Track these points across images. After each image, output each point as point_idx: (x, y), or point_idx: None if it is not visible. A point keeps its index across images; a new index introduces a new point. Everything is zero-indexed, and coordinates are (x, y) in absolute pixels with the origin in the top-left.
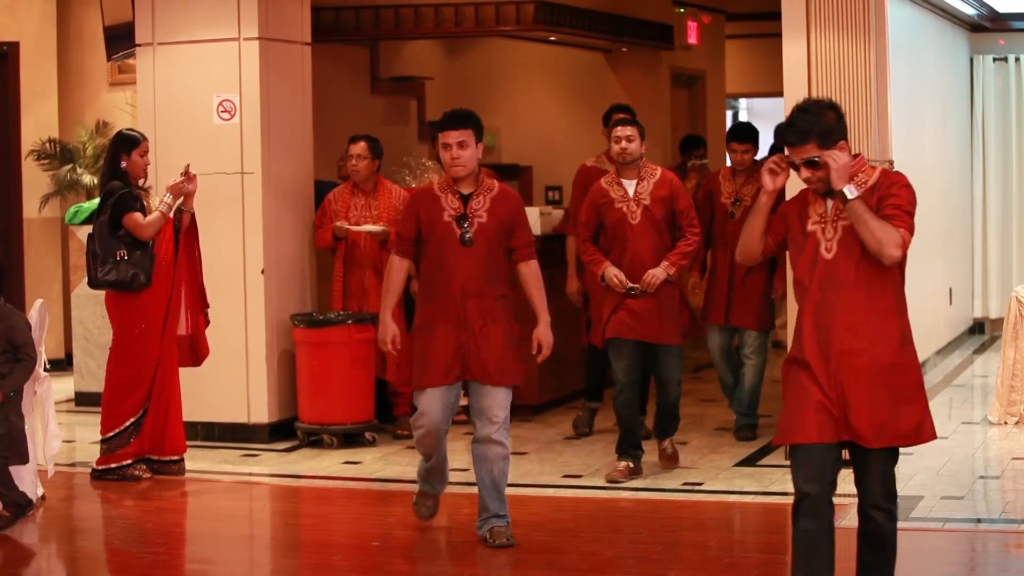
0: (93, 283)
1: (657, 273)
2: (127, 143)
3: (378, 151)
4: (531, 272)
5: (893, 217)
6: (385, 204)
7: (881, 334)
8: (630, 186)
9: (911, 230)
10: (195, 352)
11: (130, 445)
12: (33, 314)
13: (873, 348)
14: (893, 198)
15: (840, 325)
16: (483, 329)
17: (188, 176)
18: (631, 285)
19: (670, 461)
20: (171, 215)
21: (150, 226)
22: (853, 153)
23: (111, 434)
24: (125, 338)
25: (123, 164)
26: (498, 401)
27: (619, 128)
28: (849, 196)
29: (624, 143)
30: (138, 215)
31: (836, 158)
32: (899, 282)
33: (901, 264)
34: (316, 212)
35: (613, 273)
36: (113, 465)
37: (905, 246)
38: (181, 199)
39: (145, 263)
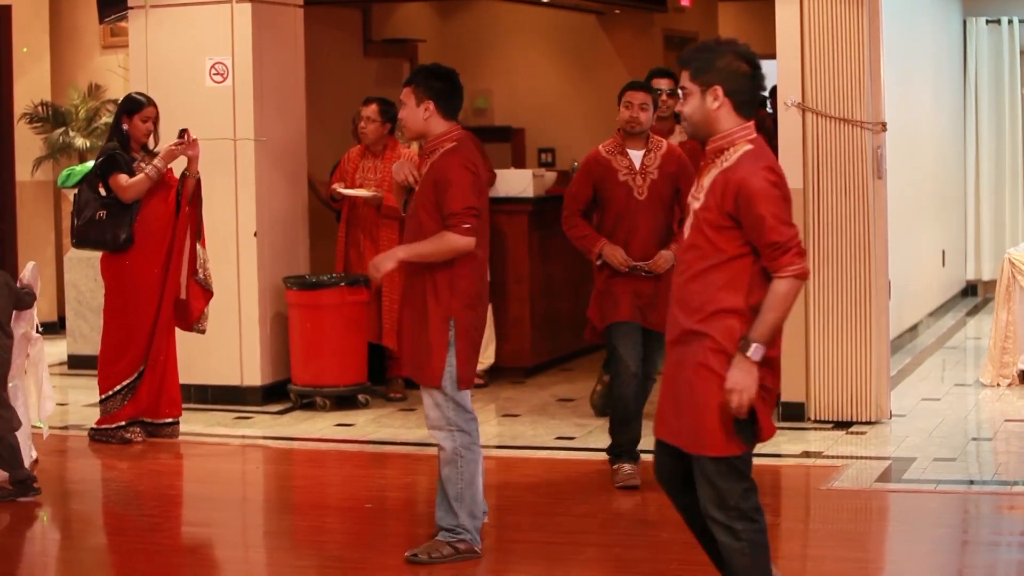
0: (72, 240)
1: (667, 256)
2: (130, 105)
3: (390, 115)
4: None
5: None
6: (390, 167)
7: None
8: (636, 157)
9: None
10: (184, 315)
11: (124, 408)
12: (26, 275)
13: None
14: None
15: None
16: None
17: (187, 140)
18: (636, 264)
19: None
20: (174, 178)
21: (130, 188)
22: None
23: (105, 395)
24: (114, 299)
25: (124, 127)
26: None
27: (631, 93)
28: None
29: (636, 111)
30: (123, 176)
31: None
32: None
33: None
34: (332, 172)
35: (612, 250)
36: (107, 426)
37: None
38: (180, 163)
39: (124, 225)
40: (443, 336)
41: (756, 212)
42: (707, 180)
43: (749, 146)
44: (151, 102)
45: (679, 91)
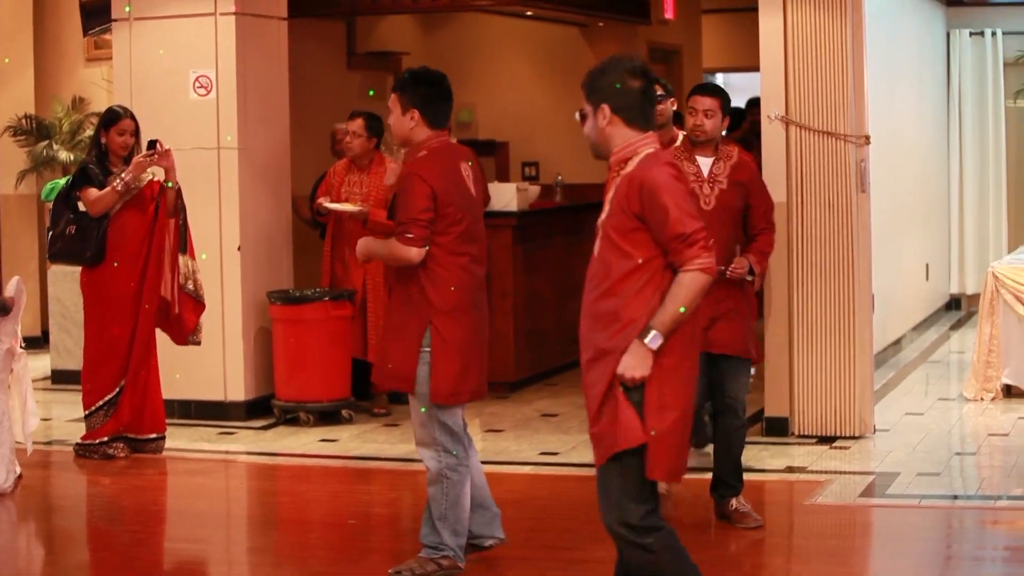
0: (47, 255)
1: (744, 263)
2: (108, 118)
3: (376, 129)
4: None
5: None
6: (376, 182)
7: None
8: (705, 165)
9: None
10: (178, 329)
11: (107, 423)
12: (10, 289)
13: None
14: None
15: None
16: None
17: (158, 152)
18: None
19: (744, 520)
20: (152, 191)
21: (98, 202)
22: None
23: (88, 411)
24: (91, 313)
25: (103, 140)
26: None
27: (696, 98)
28: None
29: (700, 117)
30: (92, 190)
31: None
32: None
33: None
34: (316, 186)
35: None
36: (90, 442)
37: None
38: (151, 175)
39: (91, 240)
40: (415, 342)
41: (660, 203)
42: (612, 190)
43: (649, 149)
44: (128, 115)
45: (576, 115)
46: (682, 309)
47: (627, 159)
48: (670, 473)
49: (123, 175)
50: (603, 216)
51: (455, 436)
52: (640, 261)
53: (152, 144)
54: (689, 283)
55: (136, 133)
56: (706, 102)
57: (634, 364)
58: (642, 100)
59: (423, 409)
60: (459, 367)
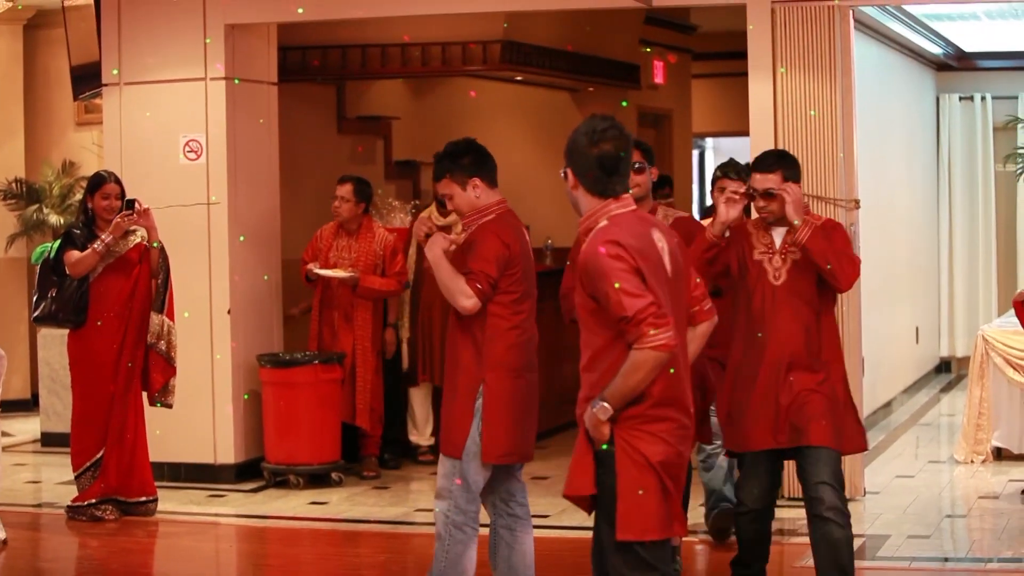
0: (33, 319)
1: None
2: (92, 183)
3: (365, 194)
4: None
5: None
6: (365, 247)
7: None
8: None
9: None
10: (145, 386)
11: (94, 485)
12: None
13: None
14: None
15: None
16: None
17: (137, 211)
18: None
19: None
20: (136, 253)
21: (78, 264)
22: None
23: (77, 472)
24: (75, 376)
25: (89, 204)
26: None
27: (755, 176)
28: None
29: (761, 200)
30: (74, 252)
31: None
32: None
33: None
34: (306, 248)
35: None
36: (79, 503)
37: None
38: (140, 238)
39: (71, 301)
40: (469, 404)
41: (601, 290)
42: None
43: (604, 222)
44: (112, 179)
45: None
46: (631, 384)
47: (590, 229)
48: (642, 531)
49: (104, 237)
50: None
51: (471, 495)
52: (606, 339)
53: (130, 204)
54: (640, 361)
55: (121, 197)
56: (768, 179)
57: (590, 430)
58: (599, 168)
59: (450, 462)
60: (512, 425)
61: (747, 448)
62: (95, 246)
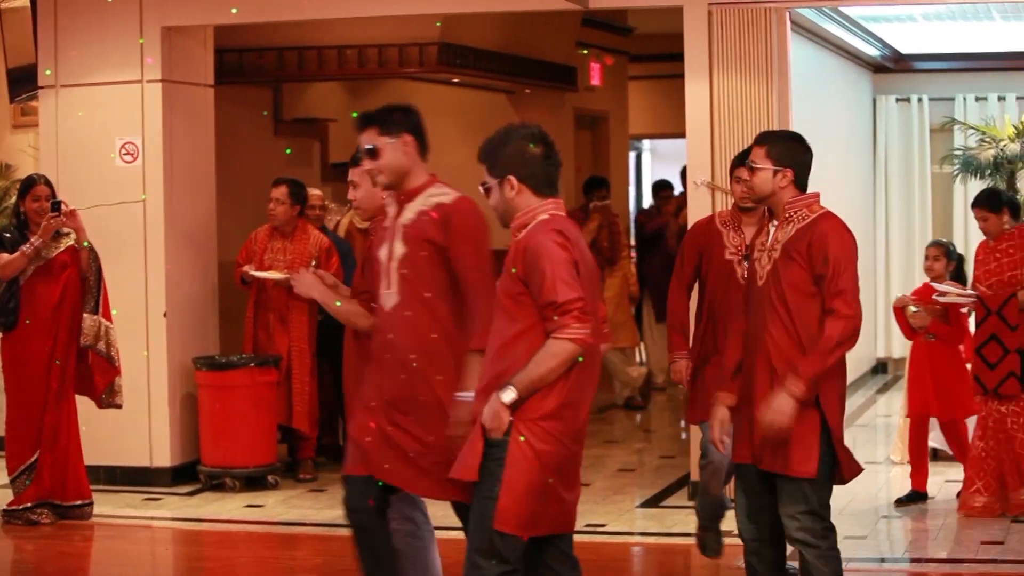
0: None
1: None
2: (23, 186)
3: (300, 196)
4: None
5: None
6: (300, 248)
7: None
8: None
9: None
10: (89, 389)
11: (28, 489)
12: None
13: None
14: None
15: None
16: None
17: (63, 213)
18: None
19: None
20: (67, 256)
21: (7, 266)
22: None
23: (12, 476)
24: (8, 377)
25: (21, 207)
26: None
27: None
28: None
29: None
30: (2, 255)
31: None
32: None
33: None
34: (240, 250)
35: None
36: (15, 507)
37: None
38: (71, 240)
39: (1, 304)
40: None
41: (538, 268)
42: (509, 253)
43: (544, 215)
44: (43, 181)
45: (480, 188)
46: (543, 373)
47: (525, 224)
48: (519, 526)
49: (33, 240)
50: (499, 280)
51: (410, 500)
52: (525, 326)
53: (56, 206)
54: (556, 350)
55: (53, 199)
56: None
57: (489, 417)
58: (546, 166)
59: None
60: None
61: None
62: (24, 248)
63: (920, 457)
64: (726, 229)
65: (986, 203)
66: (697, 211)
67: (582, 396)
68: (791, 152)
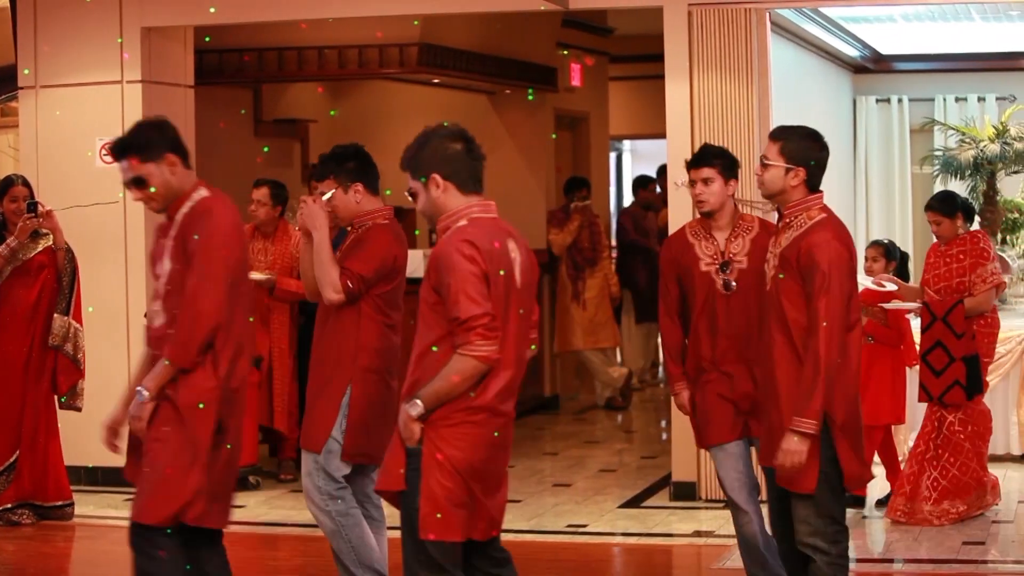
0: None
1: None
2: (0, 187)
3: (281, 197)
4: None
5: None
6: (282, 249)
7: None
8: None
9: None
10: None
11: (8, 490)
12: None
13: None
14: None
15: None
16: None
17: (40, 214)
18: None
19: None
20: (43, 258)
21: None
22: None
23: None
24: None
25: (1, 208)
26: None
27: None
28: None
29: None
30: None
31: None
32: None
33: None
34: None
35: None
36: None
37: None
38: (48, 242)
39: None
40: (335, 401)
41: (445, 283)
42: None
43: (463, 222)
44: (21, 181)
45: (406, 194)
46: (446, 387)
47: (448, 227)
48: (441, 532)
49: (9, 241)
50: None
51: (337, 483)
52: (436, 335)
53: (32, 207)
54: (459, 367)
55: (30, 199)
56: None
57: (401, 427)
58: (469, 160)
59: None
60: (373, 427)
61: None
62: (0, 250)
63: (890, 458)
64: (697, 240)
65: (940, 207)
66: (677, 212)
67: (498, 401)
68: (806, 150)
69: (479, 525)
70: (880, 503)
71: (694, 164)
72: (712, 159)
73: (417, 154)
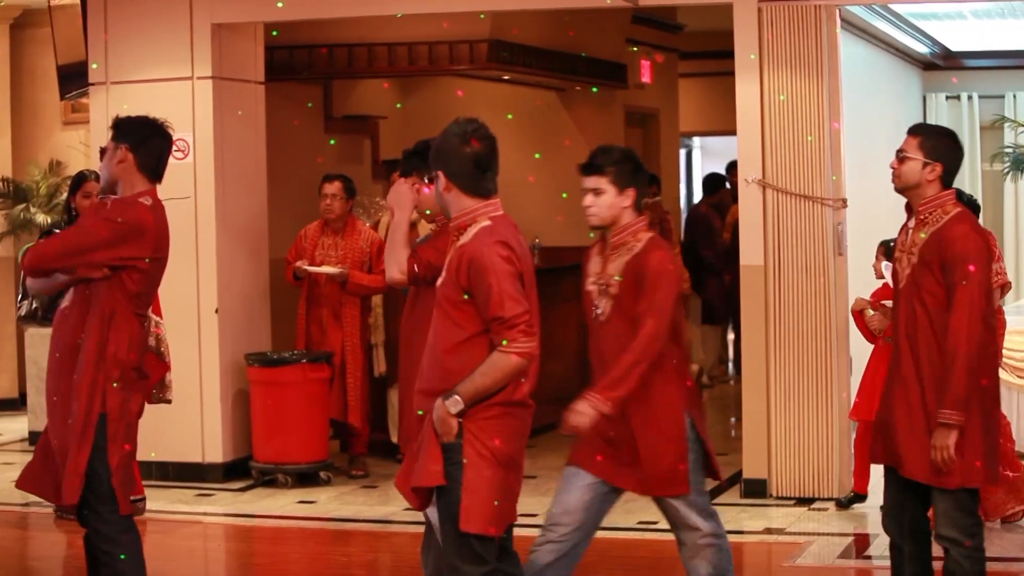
0: (17, 318)
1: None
2: (74, 182)
3: (352, 191)
4: None
5: None
6: (352, 244)
7: None
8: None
9: None
10: None
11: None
12: None
13: None
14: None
15: None
16: None
17: None
18: None
19: None
20: None
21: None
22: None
23: None
24: None
25: (72, 204)
26: None
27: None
28: None
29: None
30: None
31: None
32: None
33: None
34: (290, 247)
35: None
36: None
37: None
38: None
39: (52, 300)
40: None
41: (484, 283)
42: (449, 257)
43: (487, 222)
44: (94, 177)
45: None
46: (487, 383)
47: (465, 227)
48: (485, 525)
49: None
50: (439, 281)
51: None
52: (469, 334)
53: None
54: (501, 363)
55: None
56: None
57: (437, 423)
58: (475, 167)
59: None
60: None
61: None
62: None
63: (865, 459)
64: (592, 256)
65: None
66: (748, 207)
67: (524, 395)
68: (944, 148)
69: (513, 513)
70: (841, 504)
71: (582, 171)
72: (603, 167)
73: (437, 146)
